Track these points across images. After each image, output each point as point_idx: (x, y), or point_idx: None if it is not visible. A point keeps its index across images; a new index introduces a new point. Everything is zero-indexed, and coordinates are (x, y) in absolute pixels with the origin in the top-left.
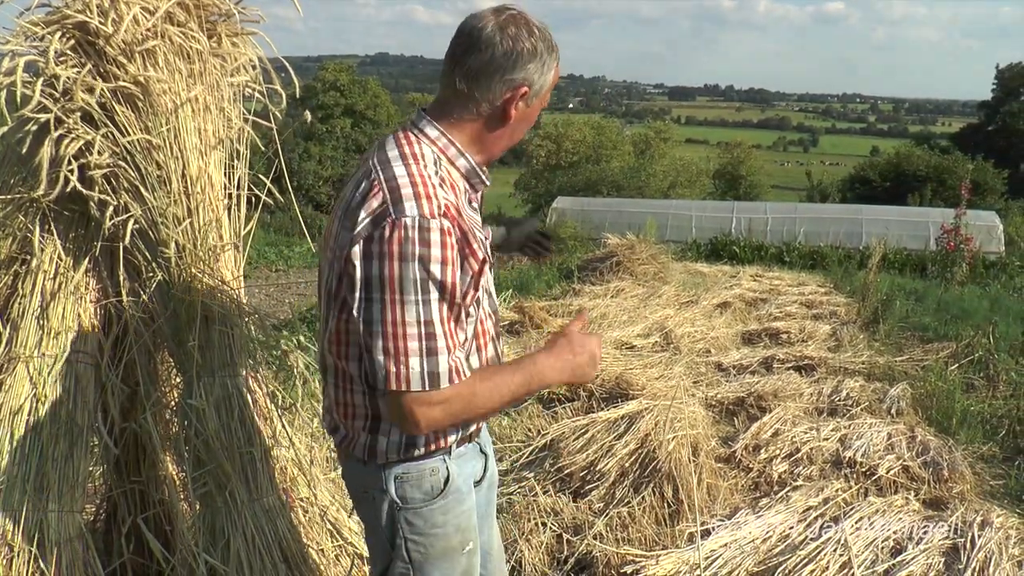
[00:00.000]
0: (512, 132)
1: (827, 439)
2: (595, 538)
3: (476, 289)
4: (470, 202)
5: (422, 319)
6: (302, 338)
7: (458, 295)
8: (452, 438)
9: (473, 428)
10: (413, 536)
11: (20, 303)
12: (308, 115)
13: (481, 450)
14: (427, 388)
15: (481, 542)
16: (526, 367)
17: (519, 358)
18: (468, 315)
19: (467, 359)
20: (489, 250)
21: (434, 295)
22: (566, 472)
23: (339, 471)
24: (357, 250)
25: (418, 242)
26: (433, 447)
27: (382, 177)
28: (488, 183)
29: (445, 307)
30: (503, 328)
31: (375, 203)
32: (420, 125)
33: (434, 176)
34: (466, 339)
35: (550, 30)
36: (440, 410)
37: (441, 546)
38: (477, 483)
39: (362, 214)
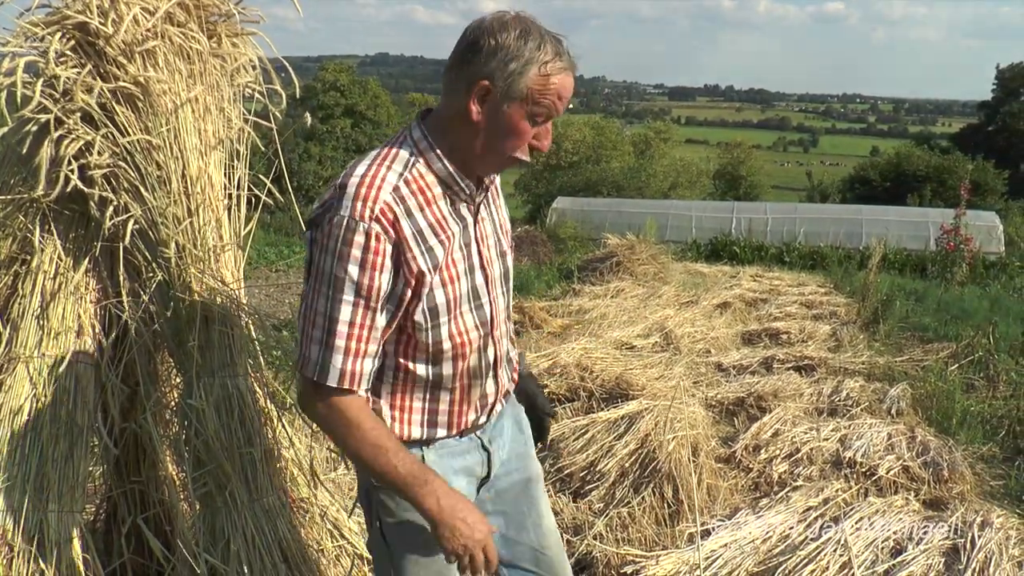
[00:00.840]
0: (488, 140)
1: (827, 439)
2: (595, 538)
3: (417, 299)
4: (454, 206)
5: (328, 314)
6: None
7: (379, 300)
8: (419, 431)
9: (465, 421)
10: (387, 519)
11: (20, 303)
12: (308, 117)
13: (484, 446)
14: (316, 378)
15: (517, 545)
16: (418, 472)
17: (426, 470)
18: (419, 325)
19: (437, 366)
20: (455, 260)
21: (347, 295)
22: (566, 472)
23: (339, 471)
24: (308, 235)
25: (341, 241)
26: (404, 437)
27: (346, 172)
28: (468, 192)
29: (359, 310)
30: None
31: (327, 195)
32: (412, 126)
33: (394, 177)
34: (429, 347)
35: (561, 40)
36: (322, 410)
37: (414, 533)
38: (483, 480)
39: (318, 202)
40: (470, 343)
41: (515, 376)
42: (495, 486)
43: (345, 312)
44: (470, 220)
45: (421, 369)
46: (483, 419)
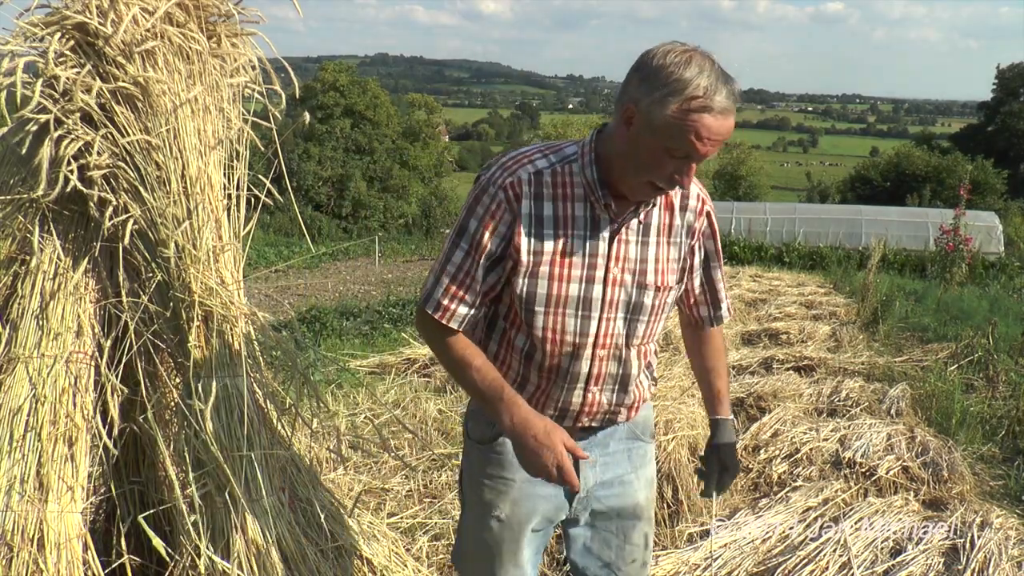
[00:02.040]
0: (627, 163)
1: (827, 440)
2: None
3: (516, 275)
4: (592, 213)
5: (446, 253)
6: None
7: (484, 257)
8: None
9: (540, 408)
10: (460, 462)
11: (20, 303)
12: (307, 116)
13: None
14: (423, 304)
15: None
16: (507, 397)
17: (504, 389)
18: (519, 300)
19: (530, 347)
20: (572, 262)
21: (462, 243)
22: None
23: (339, 471)
24: None
25: (474, 196)
26: None
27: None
28: (602, 203)
29: (468, 259)
30: None
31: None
32: (592, 132)
33: (544, 163)
34: (525, 327)
35: (728, 81)
36: (422, 329)
37: (468, 485)
38: (571, 491)
39: None
40: (562, 344)
41: (629, 411)
42: (593, 503)
43: (457, 256)
44: (606, 234)
45: (519, 340)
46: (567, 423)
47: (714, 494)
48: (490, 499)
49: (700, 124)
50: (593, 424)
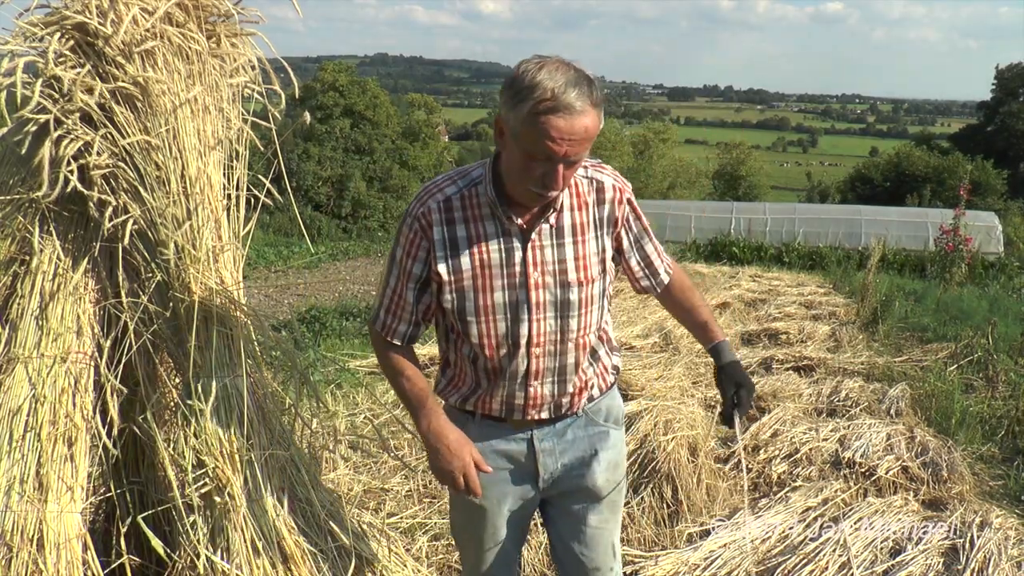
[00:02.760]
0: (507, 173)
1: (826, 440)
2: None
3: (443, 293)
4: (502, 227)
5: (383, 277)
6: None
7: (410, 280)
8: (460, 400)
9: (488, 409)
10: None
11: (19, 303)
12: (307, 116)
13: (531, 442)
14: (372, 321)
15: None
16: (429, 407)
17: (427, 399)
18: (450, 314)
19: (472, 353)
20: (492, 274)
21: (393, 269)
22: None
23: (338, 471)
24: None
25: (399, 227)
26: (450, 402)
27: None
28: (507, 217)
29: (399, 282)
30: None
31: None
32: (495, 152)
33: (452, 190)
34: (455, 328)
35: (582, 83)
36: (374, 343)
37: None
38: (535, 474)
39: None
40: (498, 347)
41: (574, 398)
42: (558, 485)
43: (391, 282)
44: (519, 244)
45: (464, 349)
46: (517, 416)
47: (735, 415)
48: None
49: (549, 125)
50: (543, 416)
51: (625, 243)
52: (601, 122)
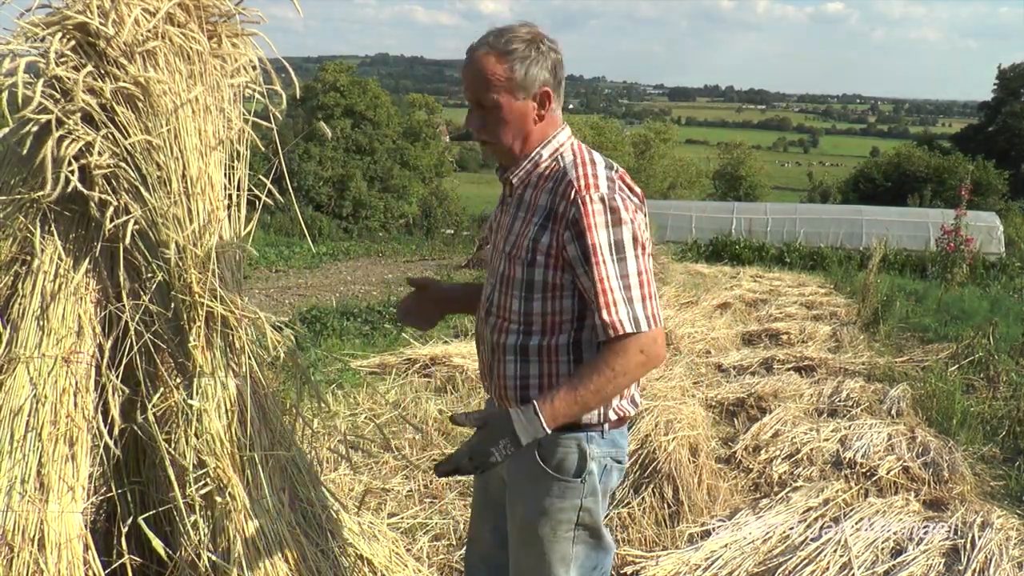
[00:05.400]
0: None
1: (827, 440)
2: None
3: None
4: (503, 188)
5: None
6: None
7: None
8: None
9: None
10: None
11: (20, 304)
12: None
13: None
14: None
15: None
16: None
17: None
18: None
19: None
20: (490, 231)
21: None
22: None
23: (339, 471)
24: None
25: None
26: None
27: None
28: (498, 176)
29: (638, 261)
30: None
31: None
32: None
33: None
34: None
35: (498, 32)
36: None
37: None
38: None
39: None
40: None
41: (505, 398)
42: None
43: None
44: (503, 206)
45: None
46: (487, 384)
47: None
48: None
49: (461, 72)
50: (494, 398)
51: (569, 254)
52: (512, 70)
